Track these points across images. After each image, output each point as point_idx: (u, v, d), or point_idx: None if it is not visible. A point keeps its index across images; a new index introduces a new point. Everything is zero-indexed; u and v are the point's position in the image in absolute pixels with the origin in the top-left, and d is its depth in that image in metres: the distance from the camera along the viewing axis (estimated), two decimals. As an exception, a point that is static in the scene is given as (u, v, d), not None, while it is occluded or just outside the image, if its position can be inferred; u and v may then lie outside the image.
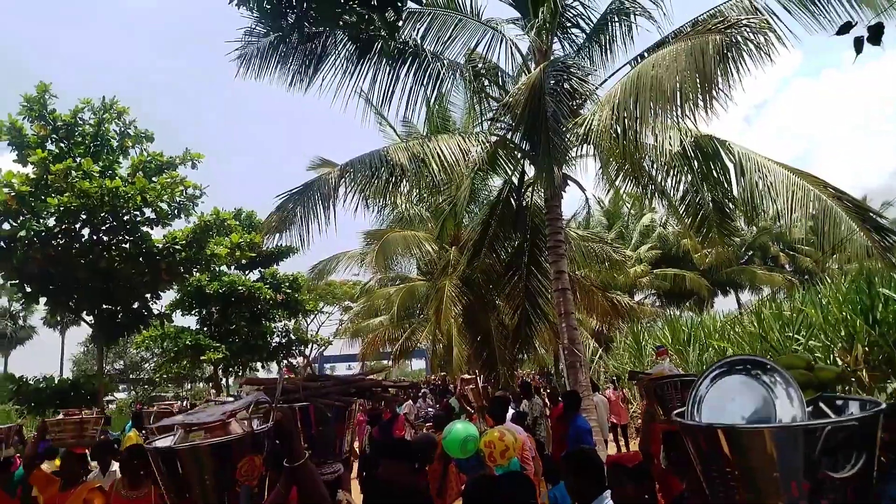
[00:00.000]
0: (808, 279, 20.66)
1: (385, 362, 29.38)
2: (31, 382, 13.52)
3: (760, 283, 29.60)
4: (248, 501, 1.58)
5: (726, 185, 8.35)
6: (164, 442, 1.71)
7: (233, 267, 21.74)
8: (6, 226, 12.03)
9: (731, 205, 8.92)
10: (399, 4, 3.49)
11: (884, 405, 1.17)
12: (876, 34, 2.94)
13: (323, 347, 33.34)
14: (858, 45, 2.97)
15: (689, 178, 8.95)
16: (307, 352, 28.23)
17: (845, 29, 2.99)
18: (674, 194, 9.67)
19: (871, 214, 7.30)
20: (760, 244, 32.06)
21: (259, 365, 24.64)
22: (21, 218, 11.95)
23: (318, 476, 1.91)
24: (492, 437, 4.12)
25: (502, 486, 2.46)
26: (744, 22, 6.60)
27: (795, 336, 8.36)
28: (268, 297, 23.36)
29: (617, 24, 9.98)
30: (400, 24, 5.59)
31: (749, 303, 27.38)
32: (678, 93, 6.14)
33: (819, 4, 6.99)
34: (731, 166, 7.90)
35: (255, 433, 1.67)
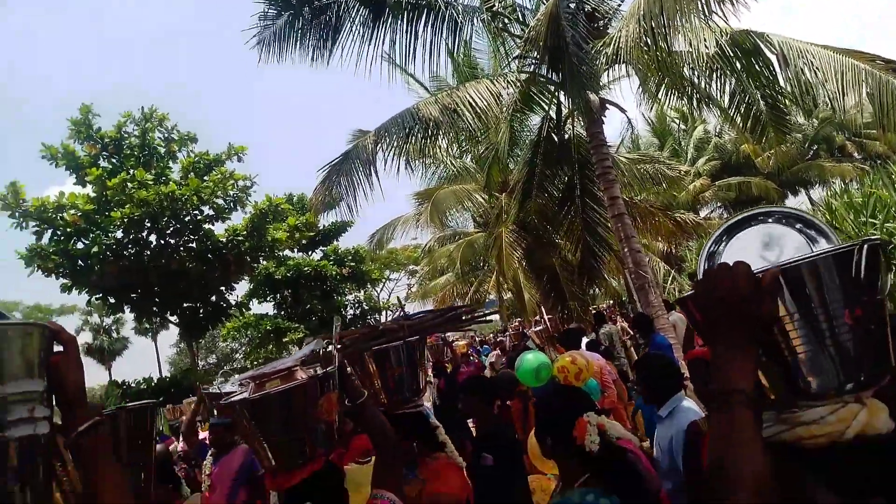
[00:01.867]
0: (881, 163, 19.51)
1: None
2: (133, 385, 14.48)
3: (830, 177, 28.07)
4: (325, 436, 1.77)
5: (772, 80, 7.93)
6: (240, 397, 1.86)
7: (295, 249, 22.33)
8: (79, 245, 12.76)
9: (783, 99, 8.49)
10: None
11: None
12: None
13: (396, 312, 34.05)
14: None
15: (734, 78, 8.54)
16: (381, 318, 28.90)
17: None
18: (721, 98, 9.26)
19: (934, 80, 6.79)
20: (824, 136, 30.34)
21: (339, 338, 25.45)
22: (91, 235, 12.63)
23: (378, 414, 2.02)
24: (563, 362, 4.16)
25: (571, 395, 2.50)
26: None
27: (871, 221, 7.97)
28: (334, 273, 23.96)
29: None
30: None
31: (821, 199, 26.15)
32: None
33: None
34: (773, 58, 7.48)
35: (317, 377, 1.82)
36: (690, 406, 3.15)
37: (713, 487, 0.96)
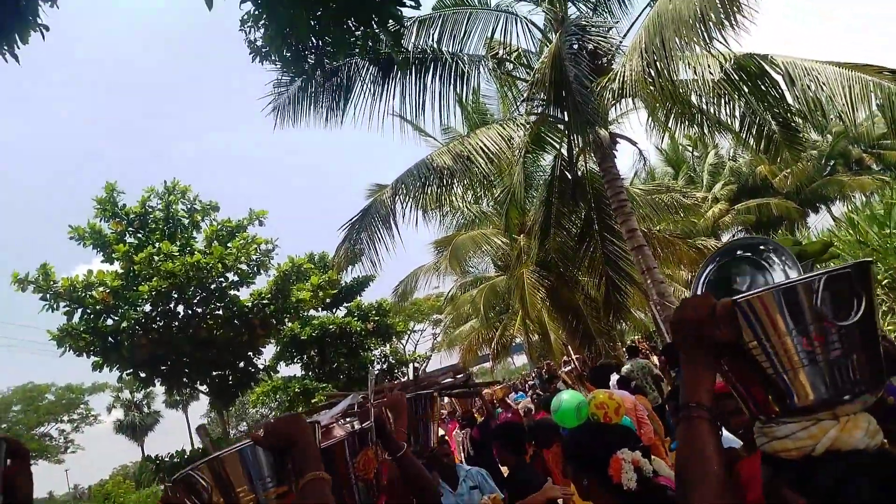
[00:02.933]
0: (902, 173, 19.28)
1: (486, 365, 29.47)
2: (166, 460, 14.42)
3: (850, 191, 27.77)
4: (365, 494, 1.69)
5: (781, 99, 7.98)
6: None
7: (320, 308, 22.41)
8: (109, 321, 12.93)
9: (793, 118, 8.51)
10: (398, 13, 3.57)
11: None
12: None
13: (423, 364, 33.82)
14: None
15: (742, 102, 8.60)
16: (408, 371, 28.67)
17: None
18: (732, 122, 9.31)
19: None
20: (840, 151, 30.15)
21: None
22: (120, 311, 12.81)
23: (418, 464, 2.03)
24: (602, 398, 4.07)
25: (604, 432, 2.46)
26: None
27: (894, 232, 7.86)
28: (359, 328, 23.94)
29: (628, -29, 9.76)
30: (404, 32, 5.69)
31: (843, 214, 25.82)
32: (700, 18, 5.94)
33: None
34: (779, 79, 7.54)
35: (354, 432, 1.77)
36: (727, 435, 3.06)
37: (679, 492, 1.10)
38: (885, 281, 7.68)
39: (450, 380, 3.31)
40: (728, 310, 1.13)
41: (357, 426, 1.87)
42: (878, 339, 1.15)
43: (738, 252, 1.50)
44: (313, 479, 1.33)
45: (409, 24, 9.33)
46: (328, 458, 1.65)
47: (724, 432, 3.11)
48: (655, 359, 11.52)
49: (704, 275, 1.51)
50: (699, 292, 1.48)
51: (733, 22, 5.83)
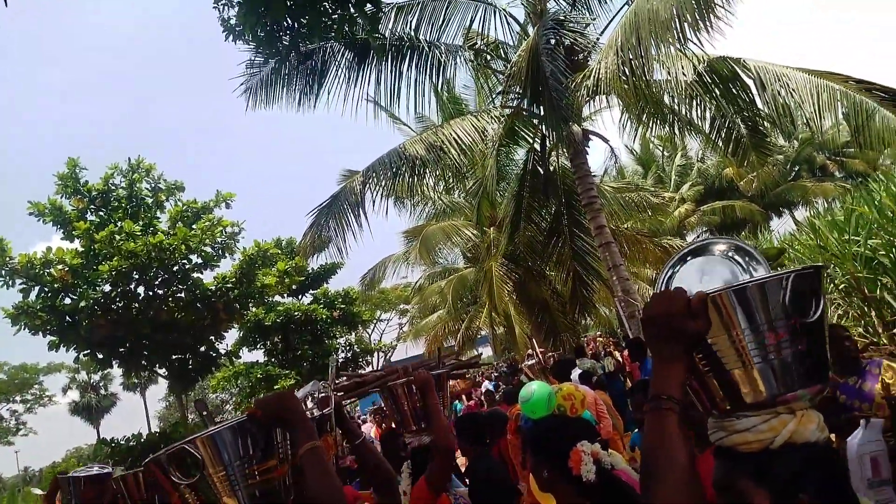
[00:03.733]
0: (861, 181, 19.82)
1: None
2: (122, 443, 14.12)
3: (813, 196, 28.50)
4: None
5: (751, 104, 8.11)
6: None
7: (285, 295, 22.19)
8: (67, 300, 12.57)
9: (762, 122, 8.66)
10: (376, -4, 3.51)
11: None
12: None
13: (388, 353, 33.77)
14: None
15: (713, 104, 8.72)
16: (372, 360, 28.66)
17: None
18: (702, 124, 9.43)
19: (907, 97, 6.96)
20: (806, 156, 30.89)
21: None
22: (79, 290, 12.46)
23: (375, 452, 2.11)
24: (569, 389, 4.11)
25: (565, 425, 2.48)
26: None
27: (853, 238, 8.06)
28: (324, 316, 23.78)
29: (607, -32, 9.79)
30: (381, 17, 5.62)
31: (805, 219, 26.49)
32: (676, 19, 5.99)
33: None
34: (750, 83, 7.66)
35: (314, 418, 1.82)
36: None
37: (645, 483, 1.11)
38: (843, 286, 7.88)
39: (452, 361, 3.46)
40: (702, 303, 1.15)
41: (317, 413, 1.91)
42: (825, 340, 1.21)
43: (705, 251, 1.54)
44: (312, 447, 1.48)
45: (387, 9, 9.21)
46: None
47: None
48: (618, 355, 11.69)
49: (667, 273, 1.55)
50: (661, 289, 1.50)
51: (708, 24, 5.89)
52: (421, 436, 2.87)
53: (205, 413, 1.73)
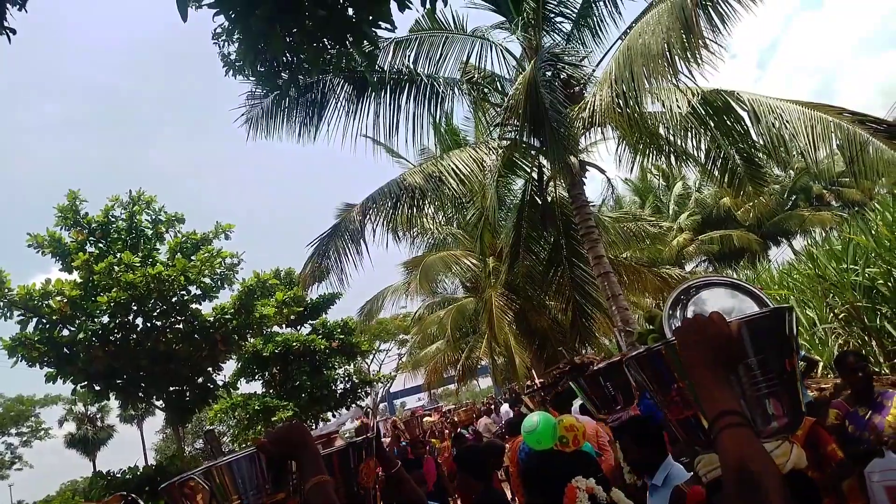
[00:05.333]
0: (859, 210, 19.92)
1: (451, 386, 29.38)
2: (118, 476, 13.94)
3: (810, 226, 28.64)
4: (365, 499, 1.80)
5: (745, 135, 8.20)
6: None
7: (283, 325, 22.12)
8: (65, 332, 12.54)
9: (757, 153, 8.75)
10: (373, 35, 3.58)
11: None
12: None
13: (387, 384, 33.50)
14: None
15: (708, 135, 8.82)
16: (372, 392, 28.43)
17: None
18: (698, 155, 9.52)
19: (899, 128, 7.06)
20: (802, 186, 31.10)
21: (329, 414, 24.88)
22: (77, 322, 12.44)
23: (410, 481, 2.14)
24: (569, 421, 4.06)
25: (560, 459, 2.46)
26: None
27: (852, 268, 8.08)
28: (323, 346, 23.64)
29: (601, 4, 9.97)
30: (378, 53, 5.71)
31: (803, 248, 26.53)
32: (668, 53, 6.10)
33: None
34: (744, 115, 7.77)
35: (353, 443, 1.86)
36: (682, 468, 2.97)
37: (744, 499, 1.02)
38: (842, 315, 7.88)
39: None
40: (741, 329, 1.19)
41: (356, 439, 1.94)
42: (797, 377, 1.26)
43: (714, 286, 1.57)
44: (318, 481, 1.45)
45: (385, 44, 9.38)
46: (330, 463, 1.71)
47: (677, 465, 3.12)
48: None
49: (671, 307, 1.55)
50: (669, 322, 1.51)
51: (699, 58, 6.00)
52: None
53: (216, 442, 1.76)
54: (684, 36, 5.90)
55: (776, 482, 1.01)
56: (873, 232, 8.44)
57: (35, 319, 12.41)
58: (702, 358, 1.17)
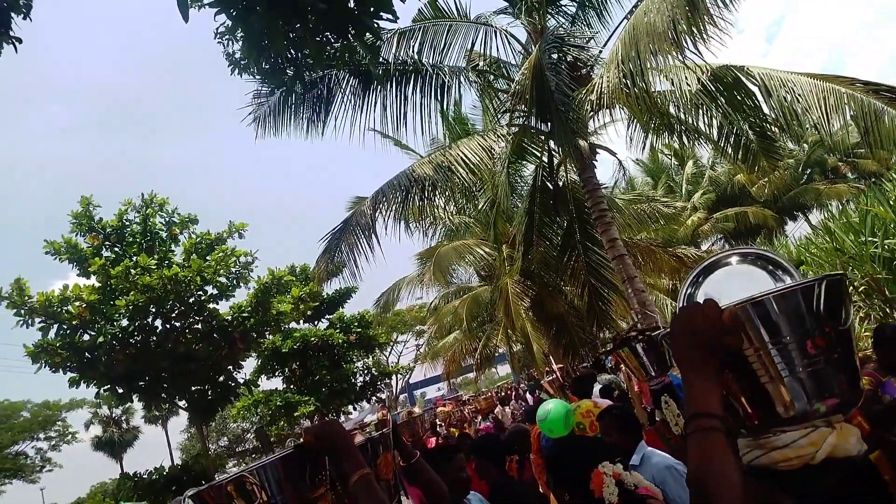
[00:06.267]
0: (875, 181, 19.62)
1: (470, 375, 29.47)
2: (145, 476, 14.15)
3: (827, 199, 28.24)
4: (385, 491, 1.77)
5: (757, 110, 8.08)
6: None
7: (301, 321, 22.29)
8: (86, 337, 12.70)
9: (770, 127, 8.62)
10: (375, 26, 3.55)
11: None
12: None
13: (407, 375, 33.65)
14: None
15: (720, 112, 8.69)
16: (391, 383, 28.58)
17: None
18: (710, 132, 9.40)
19: (914, 96, 6.91)
20: (817, 159, 30.67)
21: (350, 407, 25.06)
22: (97, 326, 12.59)
23: (430, 471, 2.16)
24: (587, 407, 4.03)
25: (585, 446, 2.46)
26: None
27: (871, 240, 7.97)
28: (341, 340, 23.79)
29: (606, -18, 9.85)
30: (381, 45, 5.68)
31: (820, 222, 26.20)
32: (673, 30, 6.01)
33: None
34: (755, 90, 7.64)
35: (372, 438, 1.90)
36: (654, 450, 3.27)
37: None
38: (862, 288, 7.78)
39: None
40: (735, 316, 1.11)
41: (375, 434, 1.99)
42: (854, 348, 1.16)
43: (729, 261, 1.50)
44: (362, 475, 1.50)
45: (388, 35, 9.33)
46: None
47: (649, 448, 3.27)
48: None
49: (688, 286, 1.51)
50: (683, 303, 1.46)
51: (705, 34, 5.91)
52: None
53: (266, 438, 1.81)
54: (689, 12, 5.80)
55: (735, 497, 0.99)
56: (891, 202, 8.31)
57: (56, 325, 12.58)
58: (685, 352, 1.13)
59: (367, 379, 26.04)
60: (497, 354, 26.03)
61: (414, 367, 32.84)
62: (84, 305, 12.44)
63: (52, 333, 12.59)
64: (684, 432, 1.12)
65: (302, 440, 1.56)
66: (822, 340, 1.09)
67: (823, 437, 1.09)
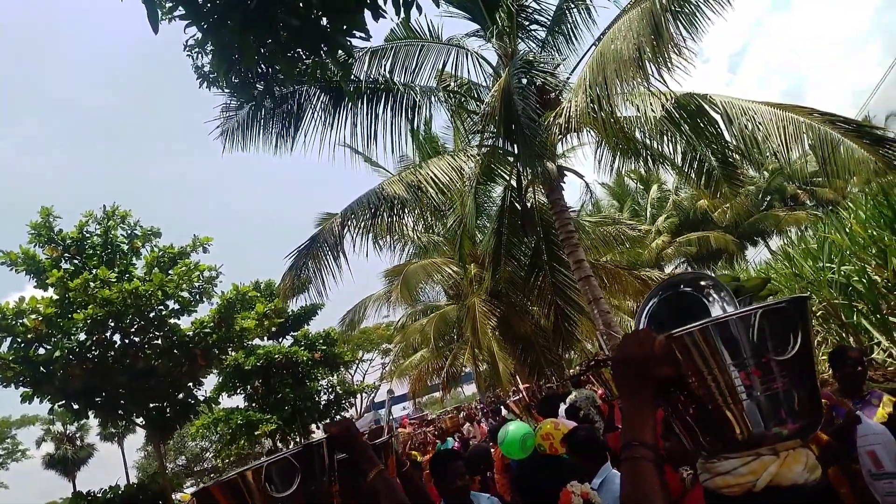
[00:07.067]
0: (833, 209, 20.29)
1: (436, 394, 29.32)
2: (99, 496, 13.66)
3: (786, 225, 29.07)
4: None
5: (719, 137, 8.31)
6: None
7: (265, 338, 21.94)
8: (41, 350, 12.27)
9: (732, 154, 8.87)
10: (347, 44, 3.57)
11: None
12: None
13: (372, 395, 33.31)
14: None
15: (683, 138, 8.92)
16: (356, 402, 28.25)
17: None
18: (674, 158, 9.63)
19: (867, 130, 7.20)
20: (776, 187, 31.60)
21: (314, 426, 24.65)
22: (53, 340, 12.19)
23: (419, 481, 2.25)
24: (547, 429, 4.03)
25: (552, 465, 2.48)
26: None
27: (828, 266, 8.22)
28: (305, 358, 23.43)
29: (575, 10, 10.07)
30: (353, 63, 5.71)
31: (780, 247, 26.91)
32: (639, 58, 6.17)
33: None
34: (717, 117, 7.87)
35: (376, 444, 1.98)
36: (617, 473, 3.24)
37: None
38: (819, 313, 7.99)
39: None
40: (669, 345, 1.12)
41: (379, 439, 2.09)
42: (815, 373, 1.15)
43: (681, 287, 1.51)
44: (380, 471, 1.64)
45: (360, 54, 9.37)
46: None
47: (614, 471, 3.32)
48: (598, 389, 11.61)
49: (647, 308, 1.53)
50: (642, 325, 1.49)
51: (670, 62, 6.08)
52: None
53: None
54: (654, 41, 5.97)
55: None
56: (847, 230, 8.59)
57: (9, 339, 12.13)
58: (620, 380, 1.17)
59: (332, 397, 25.69)
60: (463, 373, 25.99)
61: (379, 385, 32.53)
62: (40, 318, 12.04)
63: (4, 347, 12.13)
64: (619, 458, 1.12)
65: (328, 433, 1.66)
66: (757, 371, 1.10)
67: (765, 466, 1.09)
